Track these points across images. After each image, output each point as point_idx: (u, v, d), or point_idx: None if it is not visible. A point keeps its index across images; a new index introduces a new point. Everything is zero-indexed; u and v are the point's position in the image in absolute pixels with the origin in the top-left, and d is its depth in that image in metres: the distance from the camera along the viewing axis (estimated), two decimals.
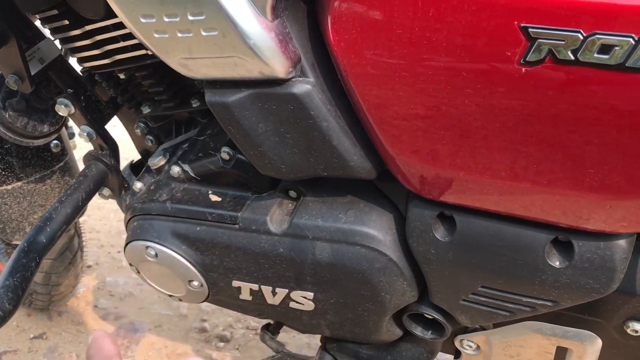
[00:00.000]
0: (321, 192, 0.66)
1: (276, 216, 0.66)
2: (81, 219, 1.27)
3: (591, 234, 0.52)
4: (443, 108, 0.49)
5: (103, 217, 1.73)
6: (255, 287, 0.69)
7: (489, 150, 0.50)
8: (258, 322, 1.33)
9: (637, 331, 0.61)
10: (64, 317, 1.37)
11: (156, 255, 0.70)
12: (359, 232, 0.62)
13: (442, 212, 0.58)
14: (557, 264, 0.54)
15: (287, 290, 0.68)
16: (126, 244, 0.73)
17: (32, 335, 1.32)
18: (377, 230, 0.62)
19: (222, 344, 1.27)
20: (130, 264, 0.75)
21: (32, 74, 0.75)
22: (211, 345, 1.27)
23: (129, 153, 0.94)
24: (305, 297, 0.68)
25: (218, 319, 1.34)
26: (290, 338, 1.28)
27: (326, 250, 0.63)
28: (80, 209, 0.77)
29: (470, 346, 0.69)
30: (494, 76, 0.45)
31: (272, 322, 0.85)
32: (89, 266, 1.51)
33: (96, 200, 1.85)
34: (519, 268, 0.56)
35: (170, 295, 0.77)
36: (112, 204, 1.81)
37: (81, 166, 0.84)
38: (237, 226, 0.66)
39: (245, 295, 0.71)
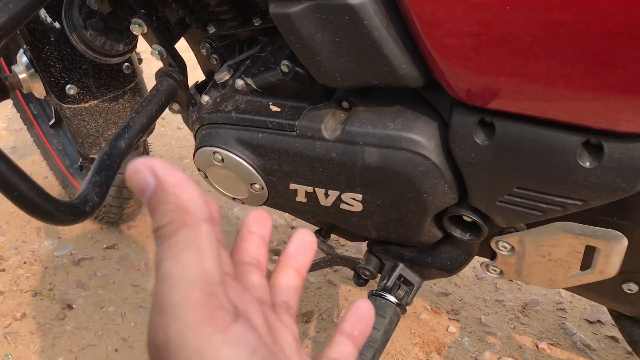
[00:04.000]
0: (371, 102, 0.72)
1: (330, 124, 0.72)
2: None
3: (620, 135, 0.57)
4: (490, 20, 0.53)
5: (166, 143, 1.84)
6: (309, 189, 0.77)
7: (528, 58, 0.54)
8: None
9: None
10: (133, 230, 1.50)
11: (222, 159, 0.78)
12: (405, 138, 0.68)
13: (483, 118, 0.63)
14: (587, 164, 0.59)
15: (338, 192, 0.75)
16: (195, 151, 0.81)
17: (105, 246, 1.46)
18: (422, 136, 0.67)
19: (276, 257, 1.37)
20: (199, 169, 0.84)
21: None
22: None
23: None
24: (354, 199, 0.75)
25: (273, 236, 1.44)
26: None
27: (375, 154, 0.70)
28: (154, 119, 0.86)
29: (505, 247, 0.75)
30: None
31: (323, 228, 0.93)
32: None
33: (159, 128, 1.96)
34: (552, 169, 0.61)
35: (233, 198, 0.86)
36: (173, 131, 1.92)
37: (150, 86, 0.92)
38: (294, 133, 0.73)
39: (300, 198, 0.79)
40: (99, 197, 0.76)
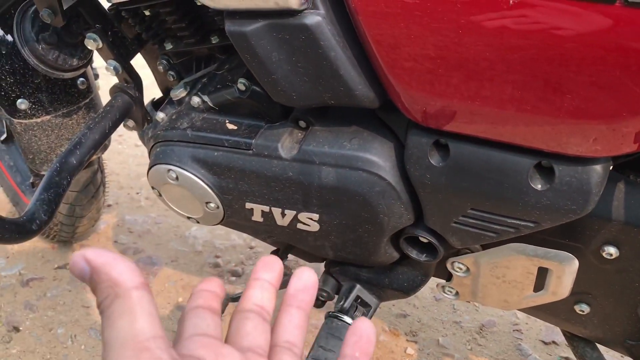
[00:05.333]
0: (328, 122, 0.72)
1: (287, 143, 0.72)
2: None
3: (570, 158, 0.58)
4: (445, 44, 0.54)
5: (122, 161, 1.80)
6: (266, 209, 0.76)
7: (482, 82, 0.55)
8: None
9: (611, 255, 0.67)
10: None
11: (177, 177, 0.77)
12: (362, 158, 0.68)
13: (438, 140, 0.64)
14: (539, 186, 0.60)
15: (295, 212, 0.75)
16: (149, 168, 0.80)
17: (56, 265, 1.41)
18: (378, 156, 0.67)
19: (234, 278, 1.35)
20: (153, 187, 0.82)
21: (64, 8, 0.81)
22: (224, 279, 1.36)
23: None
24: (311, 219, 0.74)
25: (231, 256, 1.42)
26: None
27: (331, 174, 0.69)
28: (107, 136, 0.83)
29: (460, 268, 0.75)
30: (484, 8, 0.50)
31: (280, 249, 0.92)
32: (109, 205, 1.59)
33: (116, 145, 1.93)
34: (505, 191, 0.62)
35: (188, 217, 0.84)
36: (131, 149, 1.89)
37: (106, 101, 0.90)
38: (251, 152, 0.73)
39: (257, 217, 0.78)
40: (46, 215, 0.74)
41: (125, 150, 1.85)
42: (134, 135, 1.89)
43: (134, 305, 0.31)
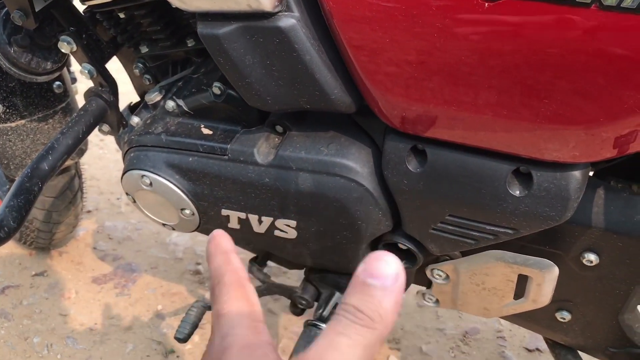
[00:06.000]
0: (306, 127, 0.70)
1: (263, 148, 0.70)
2: (82, 167, 1.32)
3: (549, 164, 0.57)
4: (421, 50, 0.53)
5: (103, 166, 1.78)
6: (242, 215, 0.74)
7: (457, 86, 0.54)
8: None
9: (591, 261, 0.66)
10: (64, 257, 1.43)
11: (151, 183, 0.75)
12: (339, 164, 0.66)
13: (415, 145, 0.62)
14: (517, 193, 0.59)
15: (272, 219, 0.73)
16: (123, 174, 0.78)
17: (33, 273, 1.38)
18: (355, 162, 0.66)
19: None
20: (127, 193, 0.80)
21: (36, 10, 0.79)
22: (204, 286, 1.33)
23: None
24: (288, 225, 0.73)
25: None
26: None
27: (308, 180, 0.68)
28: (80, 141, 0.81)
29: (440, 275, 0.74)
30: (461, 13, 0.49)
31: (259, 256, 0.90)
32: (89, 211, 1.57)
33: (97, 150, 1.90)
34: (483, 197, 0.61)
35: (163, 224, 0.82)
36: (112, 154, 1.86)
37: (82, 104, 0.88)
38: (226, 157, 0.71)
39: (233, 224, 0.76)
40: (16, 222, 0.72)
41: (107, 155, 1.83)
42: None
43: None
